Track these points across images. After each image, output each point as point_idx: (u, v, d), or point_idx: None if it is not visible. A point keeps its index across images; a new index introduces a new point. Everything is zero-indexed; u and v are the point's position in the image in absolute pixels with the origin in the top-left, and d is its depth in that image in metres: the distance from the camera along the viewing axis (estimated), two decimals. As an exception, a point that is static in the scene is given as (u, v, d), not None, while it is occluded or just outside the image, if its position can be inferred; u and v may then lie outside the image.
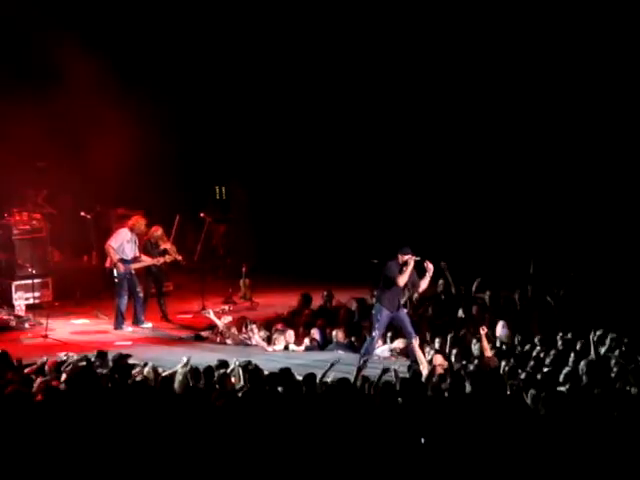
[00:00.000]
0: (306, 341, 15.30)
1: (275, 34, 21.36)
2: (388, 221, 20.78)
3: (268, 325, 15.85)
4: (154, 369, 11.43)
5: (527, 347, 13.10)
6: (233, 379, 11.07)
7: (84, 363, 11.65)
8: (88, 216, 19.76)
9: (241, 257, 20.46)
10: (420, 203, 21.19)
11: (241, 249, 21.67)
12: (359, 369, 12.47)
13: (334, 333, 15.23)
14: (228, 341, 15.63)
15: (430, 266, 13.74)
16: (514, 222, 20.28)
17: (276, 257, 21.39)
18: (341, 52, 21.40)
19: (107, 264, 17.03)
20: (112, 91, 19.61)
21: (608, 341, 12.62)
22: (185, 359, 11.51)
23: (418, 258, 13.68)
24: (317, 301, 16.84)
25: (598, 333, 12.80)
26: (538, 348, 12.80)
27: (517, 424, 9.03)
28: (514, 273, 17.06)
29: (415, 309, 15.46)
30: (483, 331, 12.89)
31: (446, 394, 10.31)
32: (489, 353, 12.71)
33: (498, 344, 13.64)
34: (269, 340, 15.39)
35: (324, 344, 15.26)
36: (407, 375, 11.77)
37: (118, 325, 16.76)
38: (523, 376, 11.01)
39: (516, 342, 13.63)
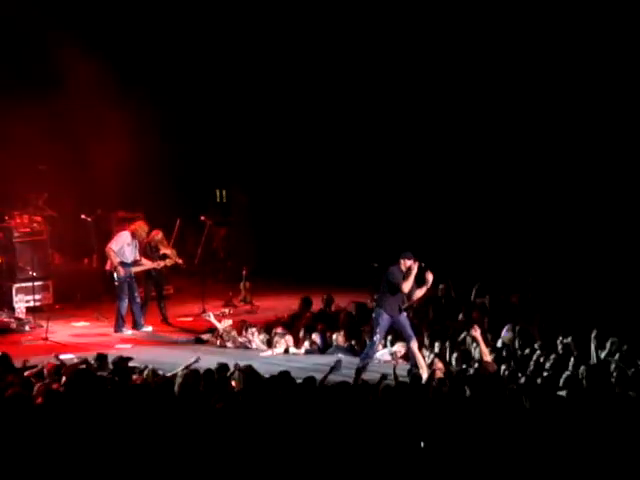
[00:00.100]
0: (306, 344, 15.32)
1: (275, 39, 21.39)
2: (387, 225, 20.78)
3: (268, 328, 15.86)
4: (154, 372, 11.43)
5: (527, 351, 13.09)
6: (233, 383, 11.06)
7: (84, 366, 11.65)
8: (89, 219, 19.79)
9: (241, 260, 20.47)
10: (418, 207, 21.17)
11: (241, 252, 21.69)
12: (359, 373, 12.50)
13: (334, 337, 15.25)
14: (228, 344, 15.65)
15: (430, 277, 13.73)
16: (512, 227, 20.25)
17: (276, 260, 21.40)
18: (340, 59, 21.42)
19: (107, 267, 17.05)
20: (113, 94, 19.65)
21: (608, 345, 12.61)
22: (194, 359, 11.55)
23: (423, 265, 13.67)
24: (317, 305, 16.85)
25: (596, 335, 12.79)
26: (538, 352, 12.78)
27: (516, 428, 9.03)
28: (513, 277, 17.07)
29: (415, 313, 15.45)
30: (475, 331, 12.84)
31: (445, 398, 10.30)
32: (488, 358, 12.69)
33: (500, 344, 13.62)
34: (269, 343, 15.41)
35: (324, 348, 15.28)
36: (407, 379, 11.77)
37: (118, 328, 16.77)
38: (523, 380, 10.99)
39: (517, 346, 13.62)
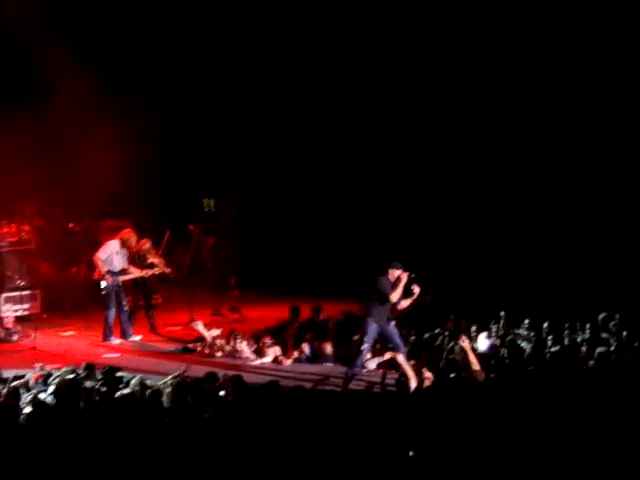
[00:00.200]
0: (295, 354, 15.31)
1: (261, 48, 21.42)
2: (377, 235, 20.78)
3: (256, 337, 15.86)
4: (142, 382, 11.40)
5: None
6: (222, 392, 11.05)
7: (71, 376, 11.61)
8: (77, 228, 19.75)
9: (229, 269, 20.45)
10: (407, 218, 21.19)
11: (230, 261, 21.67)
12: (347, 382, 12.51)
13: (323, 346, 15.25)
14: (217, 353, 15.64)
15: (417, 290, 13.79)
16: (501, 238, 20.32)
17: (265, 269, 21.38)
18: (329, 67, 21.47)
19: (95, 276, 17.02)
20: (101, 104, 19.63)
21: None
22: (182, 368, 11.53)
23: (413, 275, 13.72)
24: (306, 314, 16.84)
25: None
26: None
27: (505, 436, 9.04)
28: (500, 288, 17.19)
29: (403, 322, 15.46)
30: (464, 342, 12.88)
31: (434, 407, 10.30)
32: (477, 367, 12.71)
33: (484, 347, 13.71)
34: (258, 353, 15.40)
35: (313, 357, 15.28)
36: (394, 388, 11.78)
37: (106, 337, 16.73)
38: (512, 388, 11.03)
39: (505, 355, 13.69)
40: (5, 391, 10.42)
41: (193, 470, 8.59)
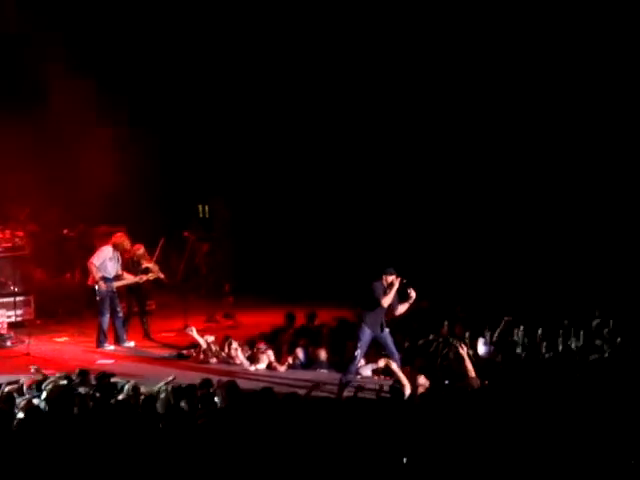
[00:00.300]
0: (289, 360, 15.30)
1: (255, 55, 21.44)
2: (372, 241, 20.79)
3: (250, 343, 15.84)
4: (135, 388, 11.38)
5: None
6: (216, 399, 11.03)
7: (65, 382, 11.58)
8: (71, 234, 19.72)
9: (224, 275, 20.43)
10: (401, 223, 21.20)
11: (224, 268, 21.64)
12: (341, 388, 12.49)
13: (317, 352, 15.24)
14: (211, 360, 15.61)
15: (413, 294, 13.78)
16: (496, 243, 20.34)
17: (259, 275, 21.36)
18: (322, 73, 21.47)
19: (89, 282, 16.99)
20: (97, 110, 19.65)
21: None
22: (170, 378, 11.50)
23: (405, 281, 13.72)
24: (301, 321, 16.83)
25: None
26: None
27: (499, 443, 9.04)
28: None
29: (398, 328, 15.44)
30: (463, 350, 12.88)
31: (428, 414, 10.29)
32: (472, 374, 12.70)
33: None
34: (252, 359, 15.39)
35: (307, 363, 15.27)
36: (389, 395, 11.77)
37: (100, 343, 16.70)
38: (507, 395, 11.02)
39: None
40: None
41: (187, 476, 8.58)
